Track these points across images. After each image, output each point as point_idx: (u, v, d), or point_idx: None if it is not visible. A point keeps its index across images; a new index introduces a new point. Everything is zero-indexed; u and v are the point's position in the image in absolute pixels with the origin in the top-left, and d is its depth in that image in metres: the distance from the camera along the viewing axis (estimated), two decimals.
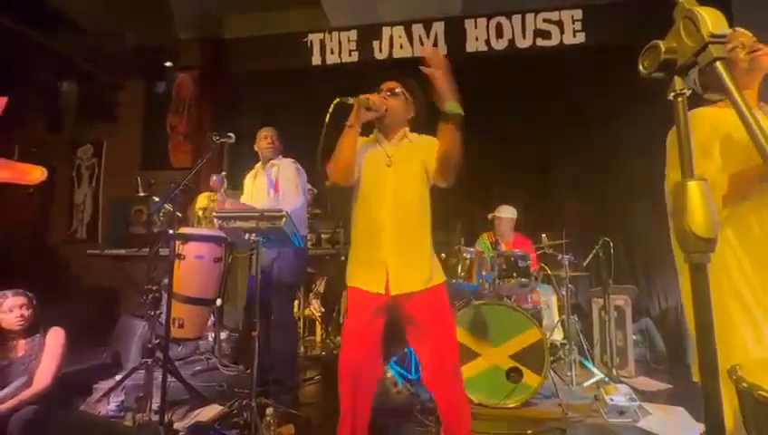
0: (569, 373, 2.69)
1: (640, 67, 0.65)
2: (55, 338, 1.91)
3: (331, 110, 1.53)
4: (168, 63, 4.77)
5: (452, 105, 1.51)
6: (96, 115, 4.94)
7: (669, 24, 0.62)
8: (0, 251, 4.61)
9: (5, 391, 1.76)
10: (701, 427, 1.35)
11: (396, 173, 1.60)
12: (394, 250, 1.54)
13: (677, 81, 0.61)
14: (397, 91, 1.66)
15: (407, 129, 1.69)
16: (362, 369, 1.54)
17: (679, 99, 0.61)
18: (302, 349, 3.50)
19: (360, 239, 1.64)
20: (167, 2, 4.30)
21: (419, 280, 1.55)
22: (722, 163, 1.14)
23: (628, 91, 3.88)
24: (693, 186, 0.59)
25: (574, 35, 3.92)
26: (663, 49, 0.60)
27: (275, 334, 2.34)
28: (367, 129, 1.67)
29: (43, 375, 1.83)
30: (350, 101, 1.55)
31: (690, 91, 0.61)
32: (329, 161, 1.59)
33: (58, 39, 4.12)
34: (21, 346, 1.87)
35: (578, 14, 3.93)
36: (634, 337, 3.19)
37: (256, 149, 2.57)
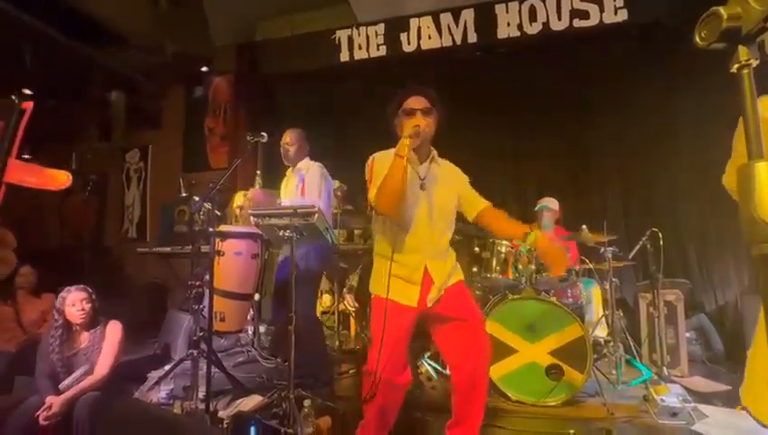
0: (614, 372, 2.55)
1: (696, 39, 0.59)
2: (114, 330, 2.06)
3: (405, 162, 1.48)
4: (205, 69, 4.98)
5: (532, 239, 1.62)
6: (142, 122, 5.27)
7: None
8: (66, 251, 5.05)
9: (70, 378, 1.92)
10: (765, 432, 1.23)
11: (429, 197, 1.62)
12: (429, 267, 1.60)
13: (742, 50, 0.54)
14: (428, 108, 1.62)
15: (433, 149, 1.68)
16: (393, 383, 1.55)
17: (745, 70, 0.55)
18: (336, 343, 3.56)
19: (394, 251, 1.62)
20: (202, 12, 4.48)
21: (451, 278, 1.65)
22: None
23: (678, 72, 3.60)
24: (762, 167, 0.53)
25: (615, 13, 3.66)
26: (725, 16, 0.54)
27: (301, 329, 2.39)
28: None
29: (103, 364, 1.98)
30: (407, 141, 1.49)
31: (758, 62, 0.54)
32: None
33: (106, 53, 4.41)
34: (84, 338, 2.03)
35: None
36: (687, 335, 2.97)
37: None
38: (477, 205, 1.73)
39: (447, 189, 1.66)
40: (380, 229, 1.68)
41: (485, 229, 1.80)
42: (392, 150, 1.62)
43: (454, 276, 1.65)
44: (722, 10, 0.55)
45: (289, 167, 2.68)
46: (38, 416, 1.77)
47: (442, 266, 1.62)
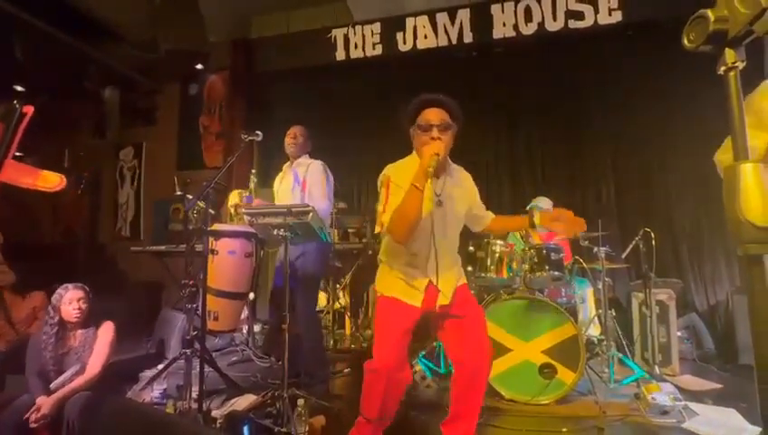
0: (606, 370, 2.57)
1: (685, 41, 0.59)
2: (107, 330, 2.05)
3: (422, 193, 1.40)
4: (200, 66, 4.95)
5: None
6: (136, 119, 5.23)
7: None
8: (58, 249, 5.01)
9: (61, 378, 1.90)
10: (755, 430, 1.25)
11: (444, 213, 1.59)
12: (438, 273, 1.58)
13: (729, 53, 0.55)
14: (447, 123, 1.52)
15: (448, 160, 1.63)
16: (394, 377, 1.55)
17: (731, 73, 0.55)
18: (331, 342, 3.56)
19: (401, 261, 1.62)
20: (197, 7, 4.45)
21: (457, 281, 1.67)
22: None
23: (671, 72, 3.63)
24: (747, 168, 0.54)
25: (610, 14, 3.69)
26: (712, 19, 0.54)
27: (301, 328, 2.39)
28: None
29: (95, 364, 1.96)
30: (428, 171, 1.38)
31: (744, 64, 0.55)
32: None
33: (100, 49, 4.37)
34: (77, 336, 2.01)
35: None
36: (679, 333, 3.00)
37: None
38: (485, 220, 1.78)
39: (461, 204, 1.65)
40: (389, 240, 1.65)
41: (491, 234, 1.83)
42: (406, 161, 1.60)
43: (459, 281, 1.68)
44: (709, 13, 0.55)
45: (283, 164, 2.67)
46: (27, 417, 1.75)
47: (449, 277, 1.63)
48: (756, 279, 0.53)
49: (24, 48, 3.96)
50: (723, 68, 0.56)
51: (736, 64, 0.55)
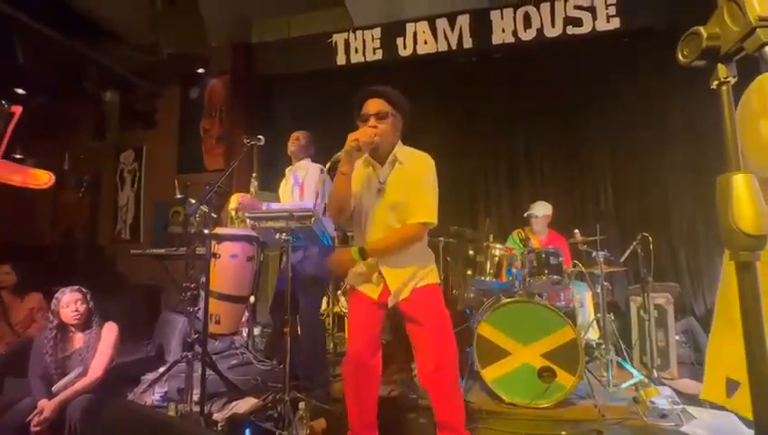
0: (605, 374, 2.59)
1: (679, 56, 0.62)
2: (110, 332, 2.06)
3: (327, 169, 1.61)
4: (201, 70, 4.98)
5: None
6: (136, 122, 5.25)
7: (714, 5, 0.58)
8: (58, 251, 5.01)
9: (63, 380, 1.91)
10: (752, 433, 1.27)
11: (386, 201, 1.60)
12: (385, 266, 1.61)
13: (721, 68, 0.58)
14: (384, 112, 1.57)
15: (397, 146, 1.64)
16: (363, 361, 1.62)
17: (723, 87, 0.58)
18: (331, 345, 3.56)
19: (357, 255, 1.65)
20: (198, 10, 4.48)
21: (411, 287, 1.62)
22: None
23: (669, 78, 3.67)
24: (739, 179, 0.56)
25: (608, 21, 3.73)
26: (705, 36, 0.57)
27: (304, 331, 2.41)
28: None
29: (97, 366, 1.97)
30: (340, 156, 1.50)
31: (735, 79, 0.57)
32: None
33: (101, 52, 4.39)
34: (79, 339, 2.02)
35: None
36: (677, 337, 3.02)
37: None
38: (412, 217, 1.56)
39: (404, 186, 1.58)
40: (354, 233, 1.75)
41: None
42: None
43: (423, 280, 1.62)
44: (702, 30, 0.58)
45: (287, 168, 2.69)
46: (30, 420, 1.76)
47: (398, 273, 1.60)
48: (748, 284, 0.56)
49: (25, 50, 3.98)
50: (715, 82, 0.58)
51: (728, 79, 0.57)
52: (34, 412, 1.78)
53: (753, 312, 0.56)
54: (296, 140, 2.60)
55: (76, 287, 2.04)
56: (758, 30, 0.51)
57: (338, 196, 1.58)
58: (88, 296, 2.05)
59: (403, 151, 1.64)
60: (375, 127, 1.55)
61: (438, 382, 1.60)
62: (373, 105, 1.59)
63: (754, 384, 0.55)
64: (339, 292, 3.94)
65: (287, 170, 2.67)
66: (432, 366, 1.58)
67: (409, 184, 1.58)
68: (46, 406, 1.80)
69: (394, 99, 1.60)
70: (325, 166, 1.65)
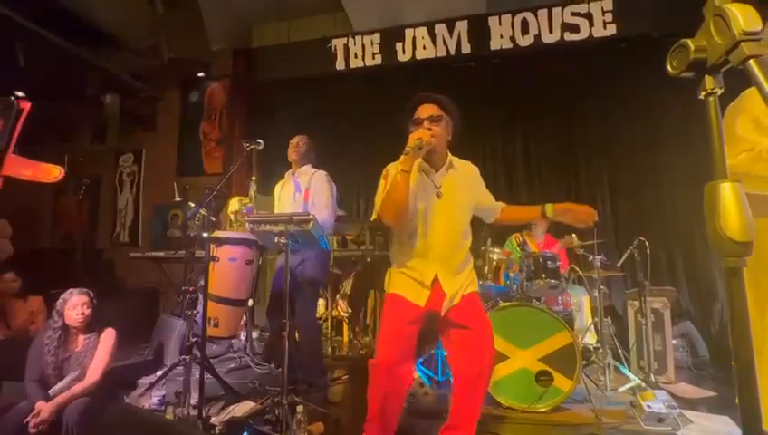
0: (602, 378, 2.60)
1: (668, 67, 0.64)
2: (108, 338, 2.06)
3: (407, 176, 1.51)
4: (201, 74, 5.01)
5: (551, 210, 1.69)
6: (136, 125, 5.27)
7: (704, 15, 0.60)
8: (57, 253, 5.01)
9: (60, 384, 1.91)
10: None
11: (446, 205, 1.62)
12: (443, 271, 1.61)
13: (708, 80, 0.59)
14: (437, 116, 1.61)
15: (449, 154, 1.68)
16: (395, 372, 1.57)
17: (710, 98, 0.60)
18: (329, 349, 3.57)
19: (407, 258, 1.66)
20: (199, 15, 4.52)
21: (461, 293, 1.63)
22: None
23: (665, 83, 3.70)
24: (726, 187, 0.58)
25: (605, 27, 3.78)
26: (692, 48, 0.59)
27: (301, 335, 2.41)
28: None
29: (95, 370, 1.97)
30: (408, 151, 1.50)
31: (722, 90, 0.59)
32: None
33: (102, 55, 4.42)
34: (79, 341, 2.02)
35: (608, 4, 3.79)
36: (674, 341, 3.03)
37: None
38: (496, 211, 1.78)
39: (465, 196, 1.66)
40: (396, 235, 1.71)
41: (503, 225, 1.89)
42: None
43: (469, 287, 1.65)
44: (690, 42, 0.59)
45: (284, 170, 2.70)
46: (27, 422, 1.76)
47: (455, 279, 1.62)
48: (735, 290, 0.57)
49: (25, 53, 4.00)
50: (703, 93, 0.60)
51: (715, 90, 0.59)
52: (32, 414, 1.78)
53: (740, 317, 0.57)
54: (296, 147, 2.60)
55: (84, 290, 2.04)
56: (742, 44, 0.53)
57: (397, 195, 1.52)
58: (94, 300, 2.05)
59: (455, 159, 1.70)
60: (429, 129, 1.58)
61: (479, 389, 1.59)
62: (426, 110, 1.62)
63: (741, 389, 0.56)
64: (338, 296, 3.95)
65: (287, 174, 2.68)
66: (476, 372, 1.57)
67: (468, 184, 1.67)
68: (43, 408, 1.80)
69: (446, 104, 1.65)
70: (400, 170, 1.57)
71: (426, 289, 1.60)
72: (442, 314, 1.60)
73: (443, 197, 1.62)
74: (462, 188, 1.66)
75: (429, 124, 1.60)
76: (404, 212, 1.56)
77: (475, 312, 1.64)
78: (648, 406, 2.11)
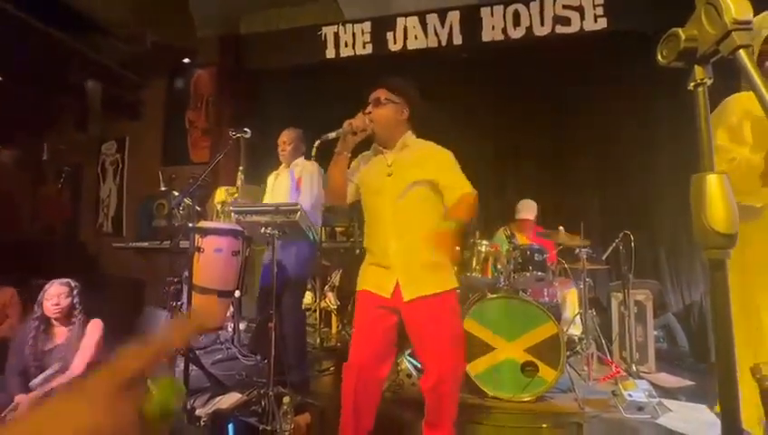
0: (585, 368, 2.65)
1: (658, 56, 0.63)
2: (94, 330, 2.02)
3: (314, 151, 1.63)
4: (186, 60, 4.87)
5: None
6: (120, 113, 5.11)
7: (695, 7, 0.59)
8: (37, 245, 4.86)
9: (41, 376, 1.87)
10: None
11: (395, 182, 1.59)
12: (400, 258, 1.55)
13: (698, 70, 0.59)
14: (382, 100, 1.62)
15: (407, 133, 1.66)
16: (364, 369, 1.54)
17: (699, 89, 0.59)
18: (318, 340, 3.56)
19: (369, 247, 1.66)
20: (185, 1, 4.37)
21: (427, 286, 1.53)
22: (755, 144, 1.13)
23: (653, 78, 3.73)
24: (712, 179, 0.57)
25: (595, 21, 3.77)
26: (683, 37, 0.58)
27: (287, 326, 2.39)
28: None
29: (79, 364, 1.93)
30: (332, 135, 1.60)
31: (711, 81, 0.59)
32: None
33: (85, 41, 4.25)
34: (61, 334, 1.98)
35: None
36: (655, 333, 3.11)
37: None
38: (453, 193, 1.58)
39: (416, 171, 1.57)
40: (365, 224, 1.71)
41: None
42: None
43: (445, 284, 1.56)
44: (680, 31, 0.59)
45: (273, 161, 2.66)
46: (5, 416, 1.71)
47: (416, 257, 1.52)
48: (718, 282, 0.57)
49: (3, 37, 3.83)
50: (692, 84, 0.59)
51: (704, 81, 0.59)
52: (10, 407, 1.74)
53: (722, 308, 0.58)
54: (284, 145, 2.56)
55: (65, 281, 1.99)
56: (733, 33, 0.52)
57: (335, 177, 1.61)
58: (75, 291, 2.00)
59: (413, 139, 1.67)
60: (369, 113, 1.61)
61: (444, 394, 1.54)
62: (375, 94, 1.65)
63: (722, 380, 0.57)
64: (326, 287, 3.93)
65: (281, 167, 2.64)
66: (435, 380, 1.53)
67: (423, 163, 1.59)
68: (23, 400, 1.75)
69: (393, 86, 1.65)
70: (315, 145, 1.66)
71: (390, 276, 1.53)
72: (405, 300, 1.51)
73: (393, 174, 1.61)
74: (414, 165, 1.59)
75: (371, 108, 1.63)
76: (342, 192, 1.64)
77: (442, 313, 1.53)
78: (629, 395, 2.16)
